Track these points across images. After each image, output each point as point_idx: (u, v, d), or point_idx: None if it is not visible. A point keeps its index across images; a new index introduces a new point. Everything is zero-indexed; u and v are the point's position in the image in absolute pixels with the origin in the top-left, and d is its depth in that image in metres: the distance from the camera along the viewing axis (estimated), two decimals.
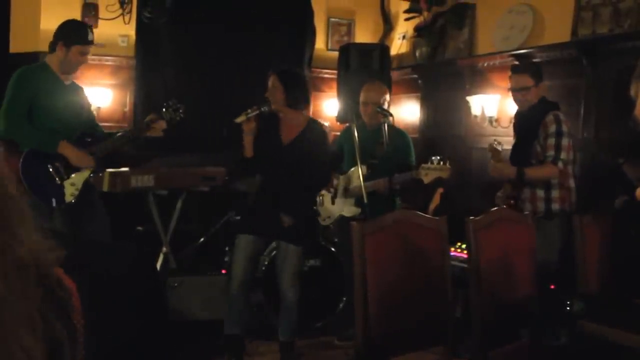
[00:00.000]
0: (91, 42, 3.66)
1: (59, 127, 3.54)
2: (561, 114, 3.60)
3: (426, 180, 3.57)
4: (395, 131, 4.10)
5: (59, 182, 3.50)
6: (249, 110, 3.55)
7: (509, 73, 3.83)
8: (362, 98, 4.10)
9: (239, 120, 3.55)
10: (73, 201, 3.55)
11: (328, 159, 3.83)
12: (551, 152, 3.51)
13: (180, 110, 3.77)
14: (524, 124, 3.71)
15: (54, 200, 3.48)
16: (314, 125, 3.74)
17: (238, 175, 4.40)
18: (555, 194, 3.60)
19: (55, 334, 0.87)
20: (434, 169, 3.51)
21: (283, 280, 3.68)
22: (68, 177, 3.53)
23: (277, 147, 3.64)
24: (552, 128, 3.51)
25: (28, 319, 0.81)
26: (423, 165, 3.57)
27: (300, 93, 3.64)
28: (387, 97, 4.11)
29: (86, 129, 3.72)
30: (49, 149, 3.48)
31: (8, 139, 3.43)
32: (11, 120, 3.43)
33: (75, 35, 3.61)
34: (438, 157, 3.54)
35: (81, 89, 3.84)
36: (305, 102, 3.71)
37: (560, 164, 3.51)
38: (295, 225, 3.59)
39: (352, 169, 3.99)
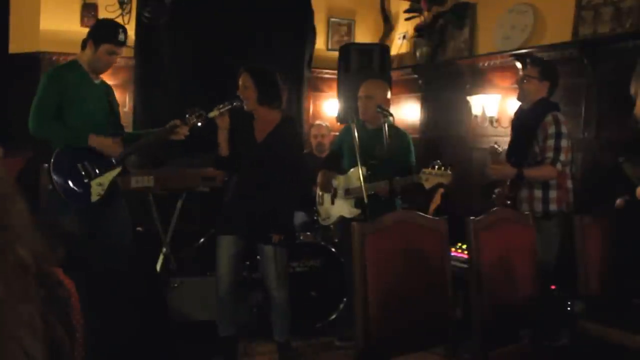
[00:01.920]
0: (121, 43, 3.61)
1: (87, 127, 3.54)
2: (560, 115, 3.60)
3: (427, 185, 3.55)
4: (396, 131, 4.03)
5: (86, 181, 3.51)
6: (221, 105, 3.53)
7: (511, 72, 3.85)
8: (361, 92, 4.00)
9: (212, 115, 3.54)
10: (97, 201, 3.55)
11: (299, 158, 3.78)
12: (550, 154, 3.51)
13: (203, 116, 3.72)
14: (523, 123, 3.70)
15: (80, 199, 3.49)
16: (287, 123, 3.67)
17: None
18: (552, 194, 3.60)
19: (55, 335, 0.86)
20: (434, 175, 3.49)
21: (269, 283, 3.65)
22: (96, 177, 3.54)
23: (251, 145, 3.59)
24: (552, 129, 3.51)
25: (29, 319, 0.81)
26: (424, 170, 3.54)
27: (272, 91, 3.58)
28: (389, 94, 4.06)
29: (113, 129, 3.71)
30: (79, 143, 3.49)
31: (39, 137, 3.44)
32: (40, 120, 3.44)
33: (105, 33, 3.58)
34: (439, 162, 3.52)
35: (110, 88, 3.82)
36: (278, 100, 3.61)
37: (559, 166, 3.51)
38: (273, 223, 3.55)
39: (352, 169, 3.96)
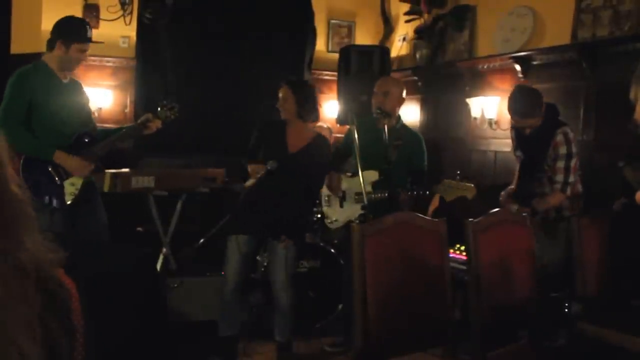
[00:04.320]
0: (90, 40, 3.61)
1: (58, 127, 3.52)
2: (569, 129, 3.59)
3: (448, 198, 3.41)
4: (408, 132, 3.94)
5: (58, 182, 3.49)
6: (258, 173, 3.54)
7: (510, 74, 3.79)
8: (378, 88, 3.90)
9: (248, 184, 3.54)
10: (72, 201, 3.55)
11: (326, 174, 3.84)
12: (560, 177, 3.53)
13: (175, 109, 3.76)
14: (532, 141, 3.66)
15: (54, 200, 3.47)
16: (321, 140, 3.72)
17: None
18: (566, 203, 3.62)
19: (54, 339, 0.87)
20: (456, 188, 3.37)
21: (276, 283, 3.68)
22: (67, 177, 3.52)
23: (284, 154, 3.61)
24: (563, 150, 3.52)
25: (27, 323, 0.82)
26: (444, 180, 3.42)
27: (311, 105, 3.64)
28: (404, 92, 3.96)
29: (84, 127, 3.71)
30: (45, 157, 3.46)
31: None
32: (8, 126, 3.38)
33: (74, 33, 3.57)
34: (460, 174, 3.45)
35: (79, 84, 3.81)
36: (315, 114, 3.69)
37: (567, 191, 3.55)
38: (288, 225, 3.60)
39: (365, 172, 3.69)
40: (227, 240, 3.70)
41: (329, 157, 3.80)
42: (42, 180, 3.45)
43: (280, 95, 3.64)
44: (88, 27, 3.64)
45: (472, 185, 3.33)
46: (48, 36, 3.63)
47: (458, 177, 3.43)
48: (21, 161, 3.40)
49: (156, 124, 3.73)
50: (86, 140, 3.64)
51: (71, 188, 3.54)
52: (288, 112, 3.62)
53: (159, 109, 3.75)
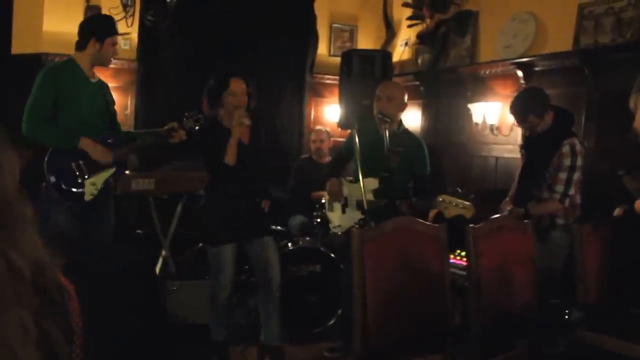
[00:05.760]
0: (118, 32, 3.75)
1: (82, 127, 3.54)
2: (577, 141, 3.55)
3: (447, 214, 3.37)
4: (409, 137, 3.90)
5: (80, 180, 3.51)
6: (246, 112, 3.58)
7: (512, 80, 3.78)
8: (381, 92, 3.83)
9: (247, 121, 3.56)
10: (90, 201, 3.55)
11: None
12: (560, 188, 3.50)
13: (201, 120, 3.74)
14: (537, 145, 3.65)
15: (72, 197, 3.49)
16: (257, 119, 3.81)
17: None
18: (561, 211, 3.60)
19: (51, 341, 0.86)
20: (456, 206, 3.27)
21: (272, 274, 3.67)
22: (89, 177, 3.54)
23: (242, 149, 3.60)
24: (567, 161, 3.48)
25: (20, 325, 0.81)
26: (444, 197, 3.33)
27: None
28: (406, 97, 3.93)
29: (109, 128, 3.71)
30: (70, 145, 3.48)
31: (31, 138, 3.44)
32: (34, 120, 3.42)
33: (107, 28, 3.65)
34: (460, 191, 3.42)
35: (106, 85, 3.83)
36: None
37: (566, 202, 3.52)
38: (265, 216, 3.74)
39: (365, 180, 3.60)
40: (211, 250, 3.67)
41: (264, 127, 3.92)
42: (63, 176, 3.48)
43: (238, 87, 3.58)
44: (113, 20, 3.78)
45: (470, 204, 3.30)
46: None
47: (457, 195, 3.40)
48: (46, 157, 3.44)
49: (180, 135, 3.73)
50: (109, 141, 3.65)
51: (91, 188, 3.55)
52: (244, 107, 3.59)
53: (184, 119, 3.73)
